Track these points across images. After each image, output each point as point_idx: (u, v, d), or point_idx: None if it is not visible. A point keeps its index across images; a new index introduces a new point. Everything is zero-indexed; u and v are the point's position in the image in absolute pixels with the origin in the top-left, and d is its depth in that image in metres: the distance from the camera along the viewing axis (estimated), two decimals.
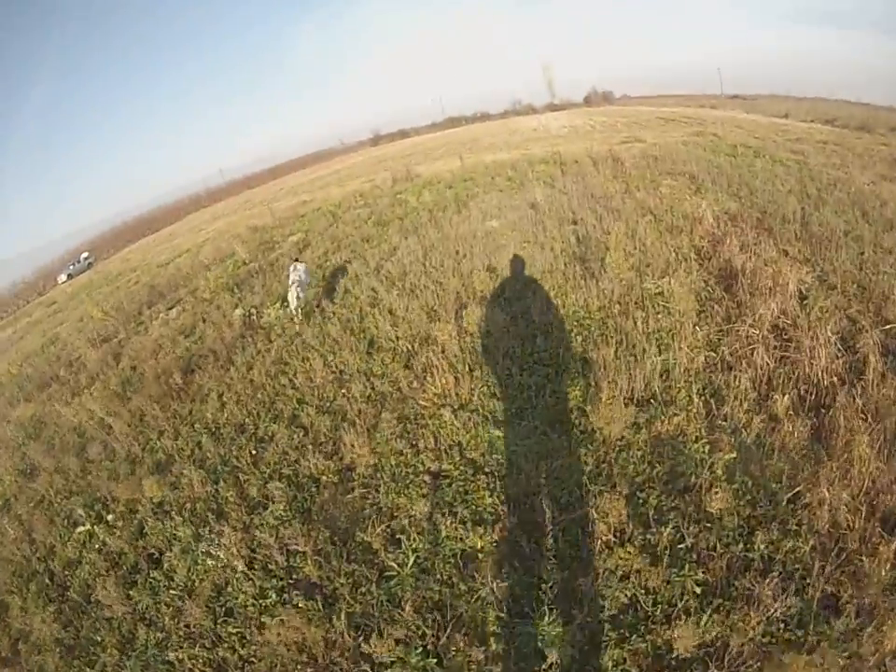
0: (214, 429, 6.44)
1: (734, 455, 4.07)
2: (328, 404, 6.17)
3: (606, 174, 13.73)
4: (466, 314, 7.00)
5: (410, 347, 6.76)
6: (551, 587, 3.52)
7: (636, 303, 6.53)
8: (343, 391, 6.27)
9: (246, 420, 6.39)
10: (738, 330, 5.57)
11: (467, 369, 5.87)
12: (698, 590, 3.30)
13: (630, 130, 27.82)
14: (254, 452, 5.76)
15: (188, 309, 12.04)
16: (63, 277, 42.79)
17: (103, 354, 11.32)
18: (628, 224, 9.11)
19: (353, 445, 5.21)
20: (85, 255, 47.16)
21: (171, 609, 4.28)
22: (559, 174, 14.66)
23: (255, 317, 9.52)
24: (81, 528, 5.51)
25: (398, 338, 7.03)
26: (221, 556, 4.46)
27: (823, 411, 4.44)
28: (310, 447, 5.50)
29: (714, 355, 5.37)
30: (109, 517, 5.56)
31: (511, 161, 19.51)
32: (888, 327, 5.25)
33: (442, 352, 6.27)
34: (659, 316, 6.15)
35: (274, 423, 6.13)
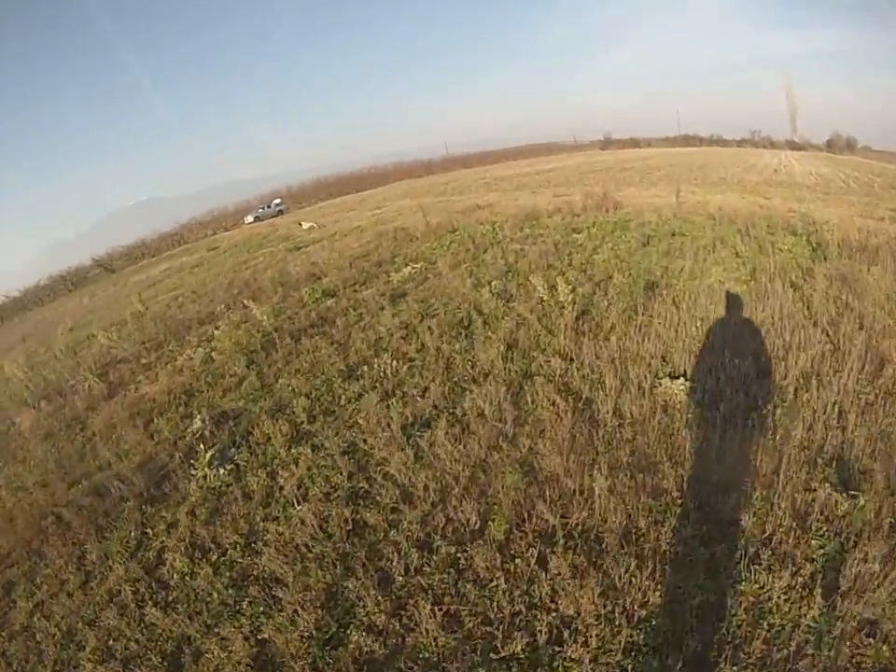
0: None
1: None
2: None
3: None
4: None
5: None
6: None
7: None
8: None
9: None
10: None
11: None
12: None
13: (894, 198, 19.95)
14: None
15: (195, 367, 8.92)
16: (249, 218, 44.63)
17: (97, 391, 9.21)
18: None
19: None
20: (277, 201, 48.15)
21: None
22: (819, 273, 8.42)
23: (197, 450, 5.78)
24: None
25: None
26: None
27: None
28: None
29: None
30: None
31: (745, 216, 13.44)
32: None
33: None
34: None
35: None
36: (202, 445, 5.83)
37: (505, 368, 6.28)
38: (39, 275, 44.95)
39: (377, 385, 6.58)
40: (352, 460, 5.23)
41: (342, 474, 5.02)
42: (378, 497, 4.63)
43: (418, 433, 5.35)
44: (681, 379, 5.40)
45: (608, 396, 5.32)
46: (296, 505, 4.73)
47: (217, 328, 10.26)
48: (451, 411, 5.68)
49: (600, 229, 13.39)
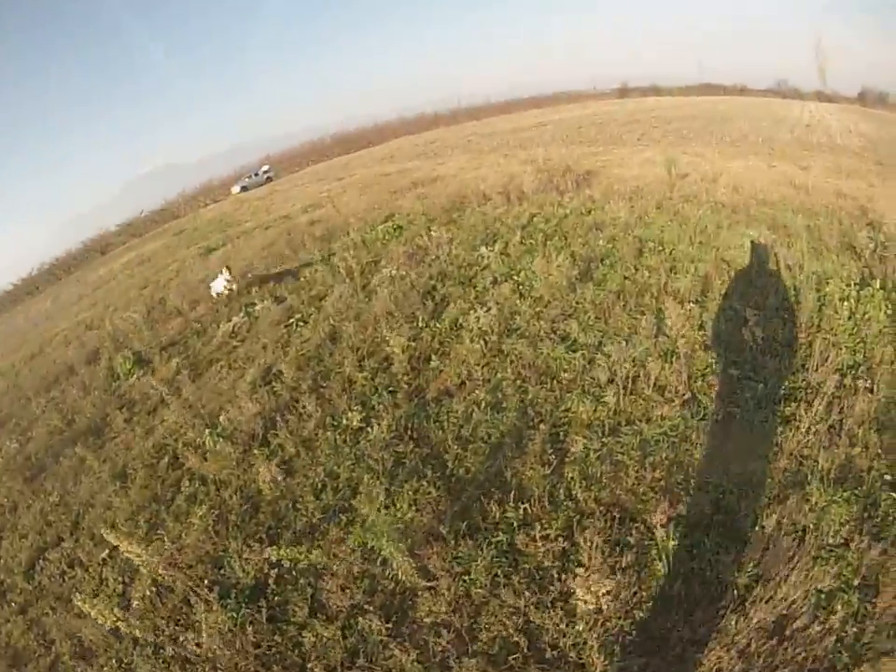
0: None
1: None
2: None
3: None
4: None
5: None
6: None
7: None
8: None
9: None
10: None
11: None
12: None
13: None
14: None
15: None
16: (236, 189, 39.85)
17: None
18: None
19: None
20: (265, 168, 43.19)
21: None
22: None
23: None
24: None
25: None
26: None
27: None
28: None
29: None
30: None
31: (772, 204, 8.58)
32: None
33: None
34: None
35: None
36: None
37: None
38: (49, 256, 42.03)
39: None
40: None
41: None
42: None
43: None
44: None
45: None
46: None
47: None
48: None
49: (532, 233, 8.40)
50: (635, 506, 3.59)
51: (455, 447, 4.40)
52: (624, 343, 4.94)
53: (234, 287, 9.70)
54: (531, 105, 57.98)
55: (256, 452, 4.93)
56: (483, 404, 4.75)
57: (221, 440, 5.28)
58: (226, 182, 47.53)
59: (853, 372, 4.34)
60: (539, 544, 3.43)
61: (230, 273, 9.84)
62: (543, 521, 3.58)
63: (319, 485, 4.43)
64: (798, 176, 10.63)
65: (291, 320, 7.69)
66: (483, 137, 28.57)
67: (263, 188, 36.75)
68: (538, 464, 4.01)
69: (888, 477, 3.53)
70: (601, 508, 3.61)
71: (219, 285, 9.84)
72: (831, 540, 3.15)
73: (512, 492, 3.81)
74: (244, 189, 39.39)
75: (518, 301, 6.15)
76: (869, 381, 4.24)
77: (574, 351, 5.02)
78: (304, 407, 5.36)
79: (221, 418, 5.66)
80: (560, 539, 3.44)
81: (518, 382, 4.93)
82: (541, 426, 4.35)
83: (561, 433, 4.29)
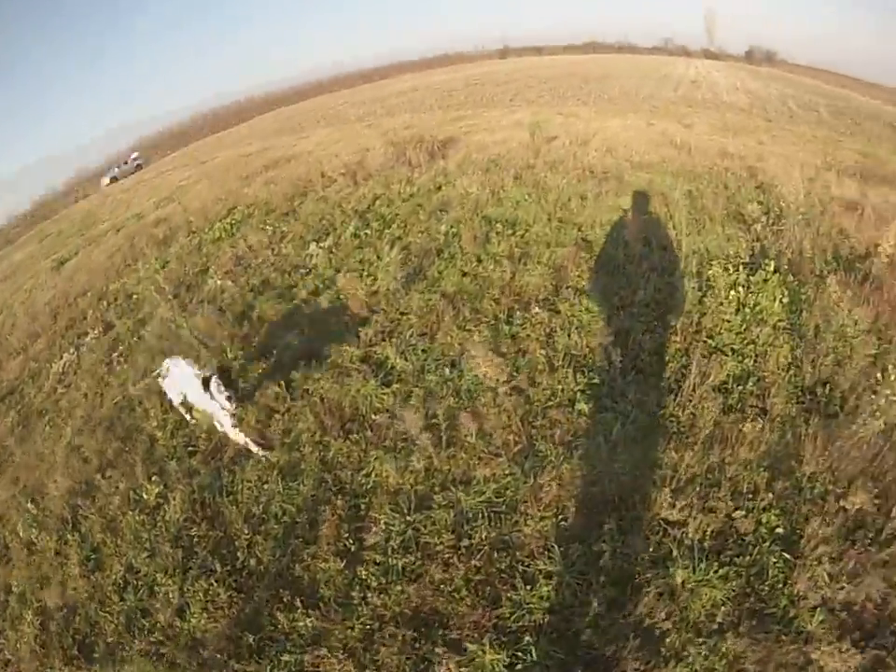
0: None
1: None
2: None
3: None
4: None
5: None
6: None
7: None
8: None
9: None
10: None
11: None
12: None
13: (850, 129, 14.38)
14: None
15: None
16: (105, 180, 36.18)
17: None
18: None
19: None
20: (134, 156, 39.78)
21: None
22: None
23: None
24: None
25: None
26: None
27: None
28: None
29: None
30: None
31: (648, 168, 7.78)
32: None
33: None
34: None
35: None
36: None
37: None
38: None
39: None
40: None
41: None
42: None
43: None
44: None
45: None
46: None
47: None
48: None
49: (369, 221, 7.12)
50: (445, 607, 2.64)
51: (247, 530, 3.41)
52: (450, 368, 3.81)
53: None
54: (410, 68, 56.43)
55: (69, 538, 4.06)
56: (278, 468, 3.58)
57: (34, 530, 4.32)
58: (99, 173, 43.54)
59: (740, 388, 3.41)
60: (335, 661, 2.54)
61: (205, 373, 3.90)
62: (337, 632, 2.65)
63: (121, 582, 3.60)
64: (680, 135, 9.97)
65: (113, 355, 6.43)
66: (353, 106, 27.08)
67: (133, 177, 33.61)
68: (332, 553, 3.03)
69: (780, 531, 2.60)
70: (405, 612, 2.65)
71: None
72: (699, 631, 2.39)
73: (303, 594, 2.89)
74: (113, 179, 35.78)
75: (333, 319, 4.89)
76: (760, 399, 3.33)
77: (388, 385, 3.86)
78: (110, 478, 4.40)
79: (30, 505, 4.62)
80: (353, 658, 2.54)
81: (319, 434, 3.74)
82: (339, 498, 3.25)
83: (363, 506, 3.21)
